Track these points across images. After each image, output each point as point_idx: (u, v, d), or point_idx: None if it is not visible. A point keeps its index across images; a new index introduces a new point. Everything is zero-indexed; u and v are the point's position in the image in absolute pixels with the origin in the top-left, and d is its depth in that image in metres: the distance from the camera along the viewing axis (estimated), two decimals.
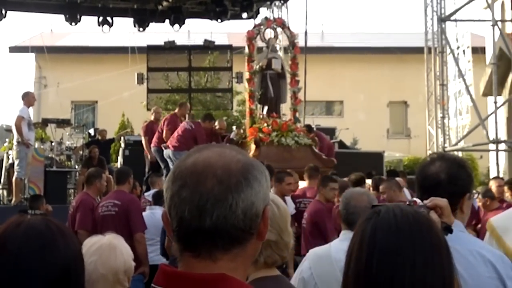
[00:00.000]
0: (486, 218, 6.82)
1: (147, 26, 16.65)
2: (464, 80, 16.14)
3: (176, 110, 13.90)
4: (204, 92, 20.98)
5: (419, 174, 2.80)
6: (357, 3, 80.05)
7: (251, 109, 13.59)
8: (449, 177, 2.65)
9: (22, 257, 1.63)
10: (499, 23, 15.92)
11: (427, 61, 18.44)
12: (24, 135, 11.61)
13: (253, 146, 12.67)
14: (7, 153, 14.03)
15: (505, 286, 2.47)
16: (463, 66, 16.62)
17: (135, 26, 16.54)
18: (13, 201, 11.97)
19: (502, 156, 16.86)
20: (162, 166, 12.85)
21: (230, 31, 23.77)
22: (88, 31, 23.46)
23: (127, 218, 7.04)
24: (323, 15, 69.69)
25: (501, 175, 13.91)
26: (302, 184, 9.55)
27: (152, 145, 13.28)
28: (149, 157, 13.66)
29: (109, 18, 16.11)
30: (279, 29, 14.32)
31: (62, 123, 15.34)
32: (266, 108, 13.56)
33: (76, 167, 14.53)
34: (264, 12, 16.20)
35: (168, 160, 12.41)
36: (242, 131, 14.31)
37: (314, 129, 14.23)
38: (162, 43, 16.56)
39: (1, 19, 15.19)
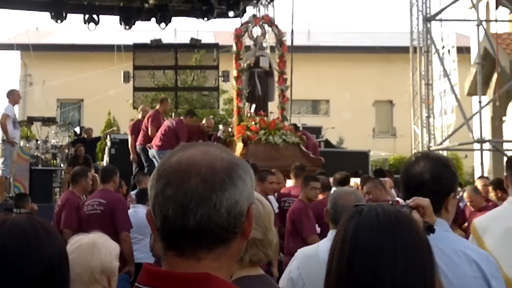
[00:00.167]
0: (471, 219, 6.85)
1: (133, 24, 16.56)
2: (449, 79, 16.22)
3: (158, 107, 13.90)
4: (190, 90, 20.95)
5: (404, 174, 2.80)
6: (344, 2, 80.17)
7: (238, 107, 13.56)
8: (433, 177, 2.65)
9: (6, 255, 1.63)
10: (484, 23, 15.99)
11: (413, 60, 18.52)
12: (9, 133, 11.54)
13: (240, 144, 12.66)
14: None
15: (490, 286, 2.47)
16: (448, 65, 16.70)
17: (121, 24, 16.45)
18: None
19: (487, 155, 16.94)
20: (145, 165, 12.83)
21: (217, 30, 23.77)
22: (74, 28, 23.31)
23: (113, 217, 7.02)
24: (309, 14, 69.71)
25: (485, 175, 13.97)
26: (290, 183, 9.58)
27: (137, 143, 13.27)
28: (131, 156, 13.59)
29: (95, 16, 16.01)
30: (267, 27, 14.30)
31: (47, 121, 15.27)
32: (253, 106, 13.53)
33: (62, 165, 14.46)
34: (250, 10, 16.19)
35: (154, 159, 12.42)
36: (230, 129, 14.29)
37: (300, 128, 14.24)
38: (149, 41, 16.50)
39: None
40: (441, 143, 16.78)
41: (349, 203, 3.50)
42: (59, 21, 15.60)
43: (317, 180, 7.93)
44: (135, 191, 9.84)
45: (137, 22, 16.66)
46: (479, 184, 9.47)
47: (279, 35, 14.25)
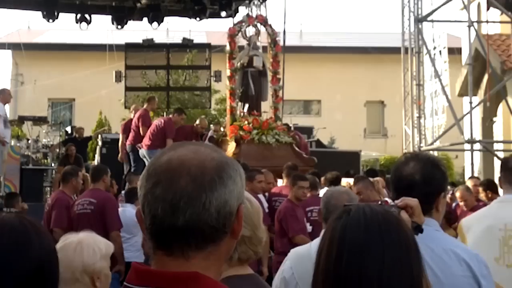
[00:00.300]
0: (461, 218, 6.89)
1: (125, 23, 16.53)
2: (440, 80, 16.25)
3: (146, 106, 13.86)
4: (182, 90, 20.95)
5: (394, 174, 2.80)
6: (336, 3, 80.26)
7: (231, 107, 13.52)
8: (424, 177, 2.66)
9: None
10: (475, 24, 16.03)
11: (404, 61, 18.55)
12: (0, 133, 11.50)
13: (233, 144, 12.65)
14: None
15: (479, 285, 2.49)
16: (439, 66, 16.73)
17: (113, 23, 16.42)
18: None
19: (477, 156, 17.00)
20: (133, 165, 12.79)
21: (209, 30, 23.75)
22: (65, 28, 23.26)
23: (103, 216, 7.02)
24: (301, 15, 69.76)
25: (476, 175, 14.01)
26: (282, 183, 9.59)
27: (128, 143, 13.23)
28: (119, 156, 13.53)
29: (87, 15, 15.97)
30: (261, 27, 14.27)
31: (38, 120, 15.23)
32: (247, 106, 13.50)
33: (53, 165, 14.43)
34: (242, 11, 16.18)
35: (144, 159, 12.40)
36: (222, 128, 14.26)
37: (292, 128, 14.25)
38: (141, 41, 16.49)
39: None
40: (431, 144, 16.81)
41: (342, 203, 3.49)
42: (51, 20, 15.56)
43: (305, 180, 7.93)
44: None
45: (129, 22, 16.64)
46: (469, 184, 9.53)
47: (273, 35, 14.23)
